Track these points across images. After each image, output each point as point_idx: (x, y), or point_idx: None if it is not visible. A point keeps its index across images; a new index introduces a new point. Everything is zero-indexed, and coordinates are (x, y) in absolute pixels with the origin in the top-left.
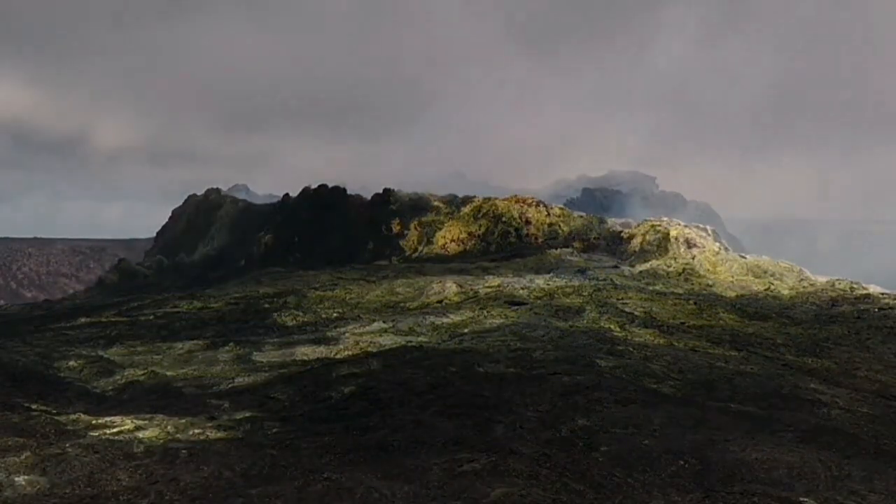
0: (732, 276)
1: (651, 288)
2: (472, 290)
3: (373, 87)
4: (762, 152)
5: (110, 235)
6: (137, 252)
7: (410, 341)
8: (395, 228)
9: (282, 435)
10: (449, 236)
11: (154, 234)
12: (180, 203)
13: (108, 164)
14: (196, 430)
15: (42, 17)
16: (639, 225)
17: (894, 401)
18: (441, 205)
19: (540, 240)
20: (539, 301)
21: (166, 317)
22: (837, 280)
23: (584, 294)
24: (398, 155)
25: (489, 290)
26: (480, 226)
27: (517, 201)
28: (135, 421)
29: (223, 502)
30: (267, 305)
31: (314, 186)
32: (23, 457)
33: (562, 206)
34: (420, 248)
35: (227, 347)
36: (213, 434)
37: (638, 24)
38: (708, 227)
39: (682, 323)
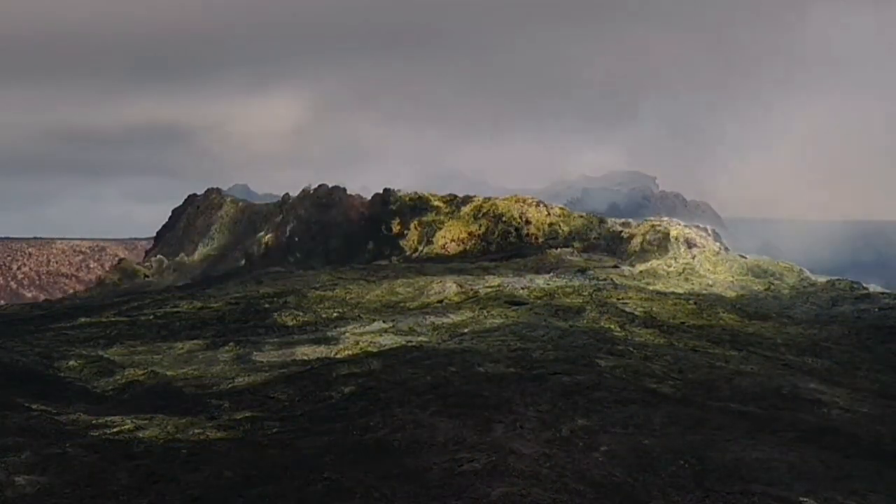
0: (732, 276)
1: (651, 288)
2: (472, 290)
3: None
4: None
5: (113, 235)
6: (137, 252)
7: (410, 341)
8: (395, 228)
9: (282, 435)
10: (449, 236)
11: (154, 234)
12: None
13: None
14: (196, 430)
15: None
16: (639, 225)
17: (894, 401)
18: (441, 205)
19: (540, 240)
20: (539, 301)
21: (166, 317)
22: (837, 280)
23: (584, 294)
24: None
25: (489, 290)
26: (480, 226)
27: (517, 201)
28: (135, 421)
29: (223, 502)
30: (267, 305)
31: (314, 186)
32: (23, 457)
33: (562, 206)
34: (420, 248)
35: (227, 347)
36: (213, 434)
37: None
38: (708, 227)
39: (682, 323)
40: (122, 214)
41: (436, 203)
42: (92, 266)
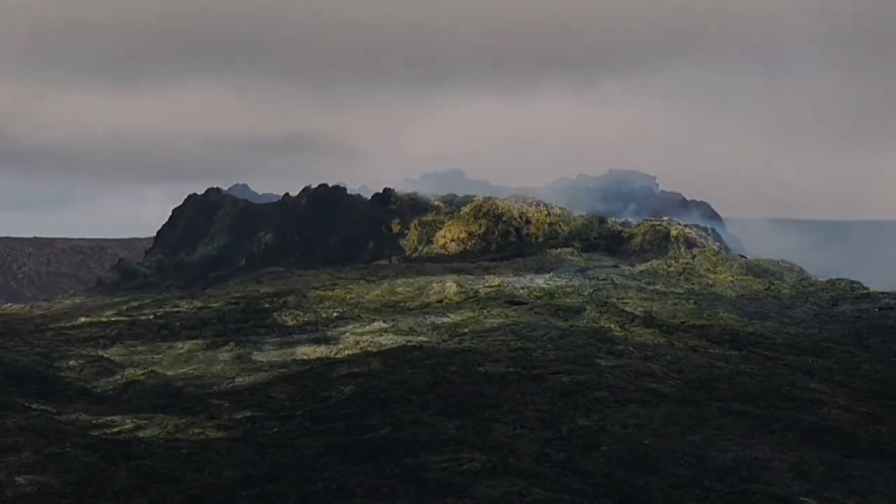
0: (732, 276)
1: (651, 288)
2: (472, 289)
3: None
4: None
5: (114, 235)
6: (137, 252)
7: (410, 341)
8: (395, 228)
9: (282, 435)
10: (449, 236)
11: (154, 234)
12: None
13: None
14: (196, 430)
15: None
16: (639, 225)
17: (894, 401)
18: (441, 204)
19: (540, 240)
20: (539, 301)
21: (166, 317)
22: (837, 280)
23: (584, 294)
24: None
25: (489, 289)
26: (480, 225)
27: (517, 201)
28: (135, 420)
29: (223, 502)
30: (267, 305)
31: (314, 186)
32: (23, 456)
33: (562, 206)
34: (420, 248)
35: (227, 347)
36: (213, 434)
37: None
38: (708, 227)
39: (682, 323)
40: None
41: (436, 203)
42: (92, 266)
